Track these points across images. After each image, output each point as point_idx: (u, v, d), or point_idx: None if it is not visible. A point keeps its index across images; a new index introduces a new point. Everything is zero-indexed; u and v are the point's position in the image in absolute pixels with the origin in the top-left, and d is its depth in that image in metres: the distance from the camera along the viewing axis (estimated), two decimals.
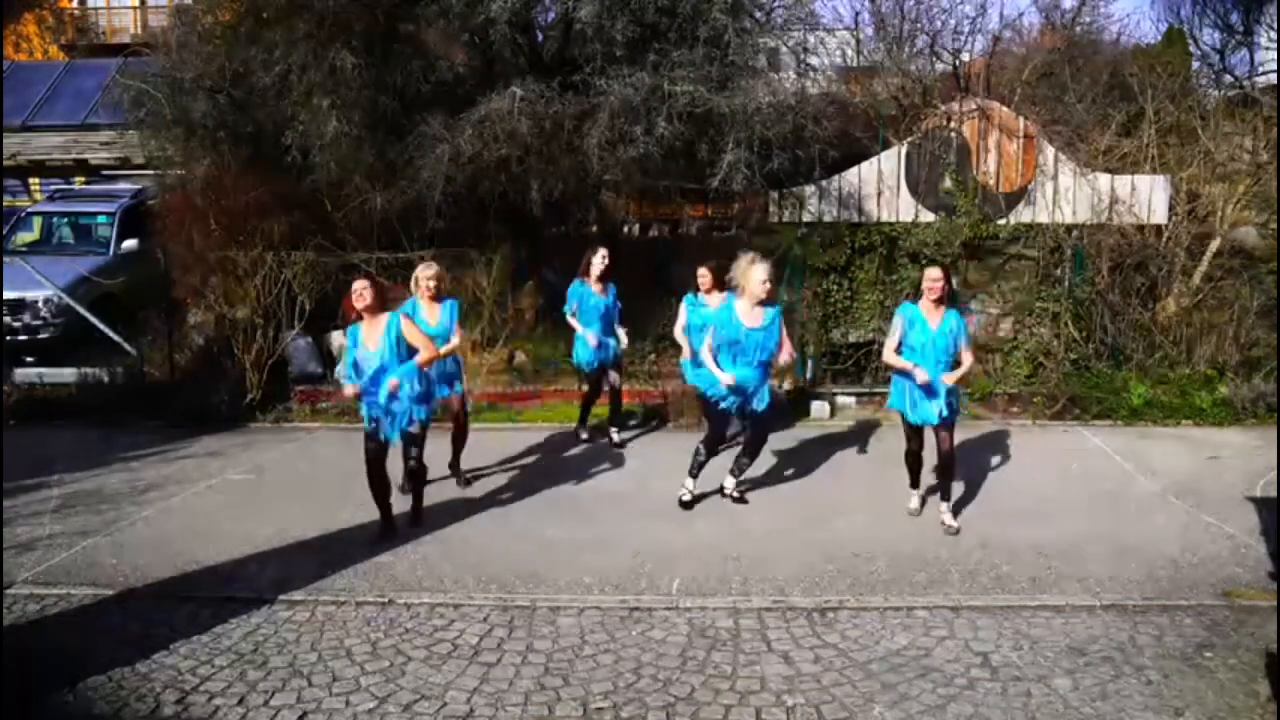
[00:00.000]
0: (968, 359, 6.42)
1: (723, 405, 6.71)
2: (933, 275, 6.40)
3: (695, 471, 6.95)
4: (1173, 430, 9.01)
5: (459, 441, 7.46)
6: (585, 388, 8.83)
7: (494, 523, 6.78)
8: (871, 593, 5.56)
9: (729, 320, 6.57)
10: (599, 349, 8.20)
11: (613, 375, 8.45)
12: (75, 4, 24.86)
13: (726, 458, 7.22)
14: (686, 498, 6.97)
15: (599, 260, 8.12)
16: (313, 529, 6.59)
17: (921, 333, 6.36)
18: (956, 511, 6.65)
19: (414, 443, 6.36)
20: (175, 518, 6.91)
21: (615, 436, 8.64)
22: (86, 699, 4.47)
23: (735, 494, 7.11)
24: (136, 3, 24.67)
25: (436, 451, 7.04)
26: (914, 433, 6.56)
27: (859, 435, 8.86)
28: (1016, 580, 5.70)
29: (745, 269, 6.57)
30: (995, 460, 8.08)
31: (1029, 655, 4.82)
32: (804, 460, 8.08)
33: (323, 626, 5.19)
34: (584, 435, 8.76)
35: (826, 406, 9.67)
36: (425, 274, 7.06)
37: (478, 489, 7.40)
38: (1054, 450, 8.46)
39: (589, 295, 8.16)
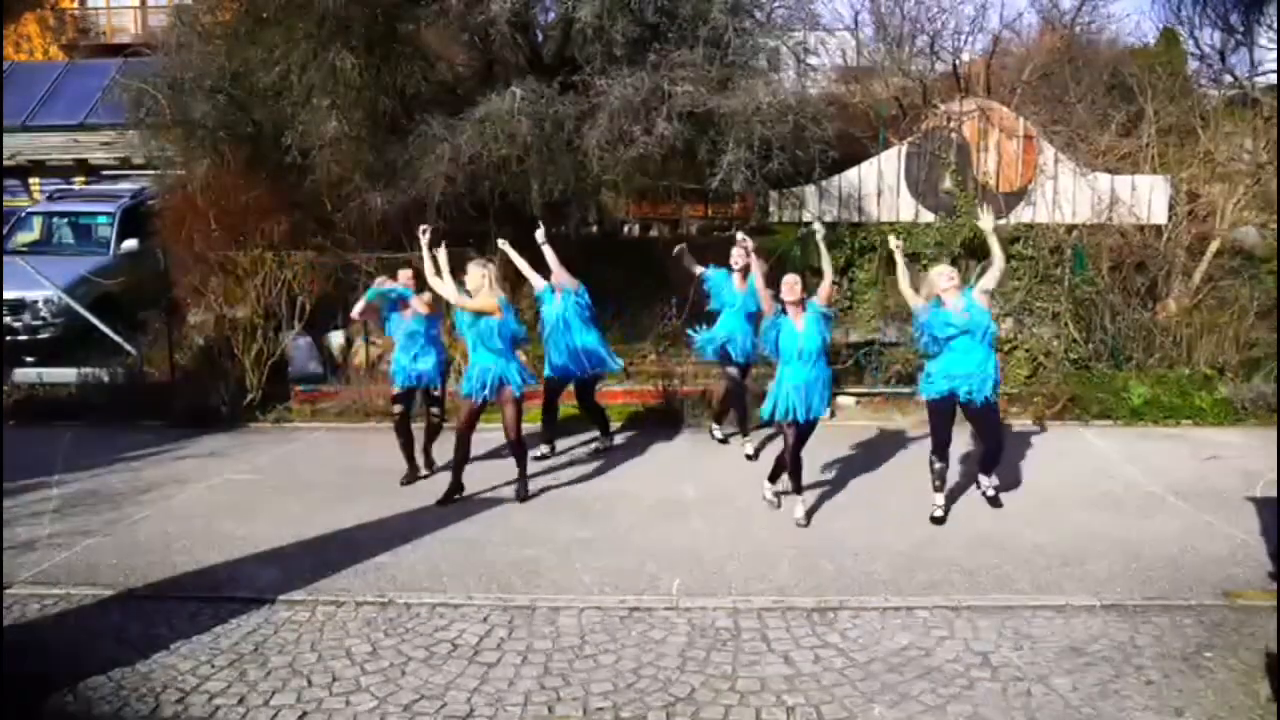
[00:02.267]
0: None
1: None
2: (789, 279, 6.35)
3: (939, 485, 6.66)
4: (1173, 430, 9.00)
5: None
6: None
7: (494, 523, 6.77)
8: (871, 593, 5.56)
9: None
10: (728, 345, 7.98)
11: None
12: (76, 4, 24.84)
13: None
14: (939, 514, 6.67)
15: (739, 254, 7.91)
16: (313, 529, 6.59)
17: (789, 339, 6.30)
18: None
19: (434, 403, 7.81)
20: (175, 518, 6.91)
21: (749, 448, 8.27)
22: (86, 699, 4.47)
23: (991, 492, 7.00)
24: (136, 3, 24.64)
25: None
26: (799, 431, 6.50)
27: (859, 435, 8.84)
28: (1016, 580, 5.70)
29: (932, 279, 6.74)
30: None
31: (1029, 655, 4.81)
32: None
33: (323, 626, 5.19)
34: (717, 434, 8.64)
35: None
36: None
37: (478, 489, 7.38)
38: (1054, 450, 8.45)
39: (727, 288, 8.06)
